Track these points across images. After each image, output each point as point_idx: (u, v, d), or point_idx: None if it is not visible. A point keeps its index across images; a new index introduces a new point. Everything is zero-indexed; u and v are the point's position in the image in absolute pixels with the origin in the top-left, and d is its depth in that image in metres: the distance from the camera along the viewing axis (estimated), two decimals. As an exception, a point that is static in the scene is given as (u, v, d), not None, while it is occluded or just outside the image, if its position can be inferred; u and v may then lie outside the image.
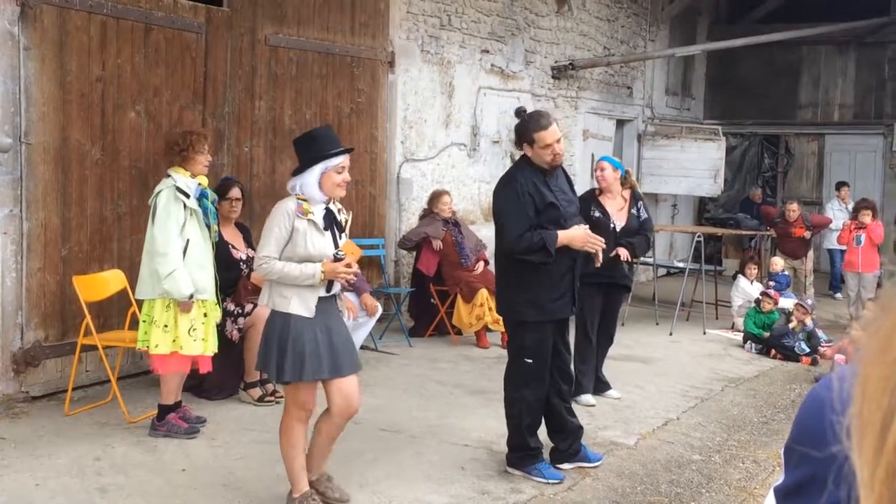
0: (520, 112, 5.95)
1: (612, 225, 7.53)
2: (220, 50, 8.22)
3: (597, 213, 7.51)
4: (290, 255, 4.83)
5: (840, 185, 14.81)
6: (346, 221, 5.17)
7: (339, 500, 5.13)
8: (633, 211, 7.72)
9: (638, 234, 7.68)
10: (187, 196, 6.11)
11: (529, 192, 5.62)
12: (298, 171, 4.94)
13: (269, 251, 4.83)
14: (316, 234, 4.88)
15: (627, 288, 7.89)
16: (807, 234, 12.67)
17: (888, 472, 0.59)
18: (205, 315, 6.23)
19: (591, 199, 7.66)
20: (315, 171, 4.88)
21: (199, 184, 6.28)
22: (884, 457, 0.60)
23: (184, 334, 6.10)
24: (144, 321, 6.20)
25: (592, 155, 13.52)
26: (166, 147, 6.39)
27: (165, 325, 6.09)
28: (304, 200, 4.89)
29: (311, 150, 4.92)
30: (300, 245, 4.83)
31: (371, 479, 5.65)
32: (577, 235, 5.66)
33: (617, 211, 7.66)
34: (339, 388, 4.94)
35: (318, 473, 5.17)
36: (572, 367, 6.43)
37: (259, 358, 5.04)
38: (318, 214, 4.92)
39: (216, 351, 6.36)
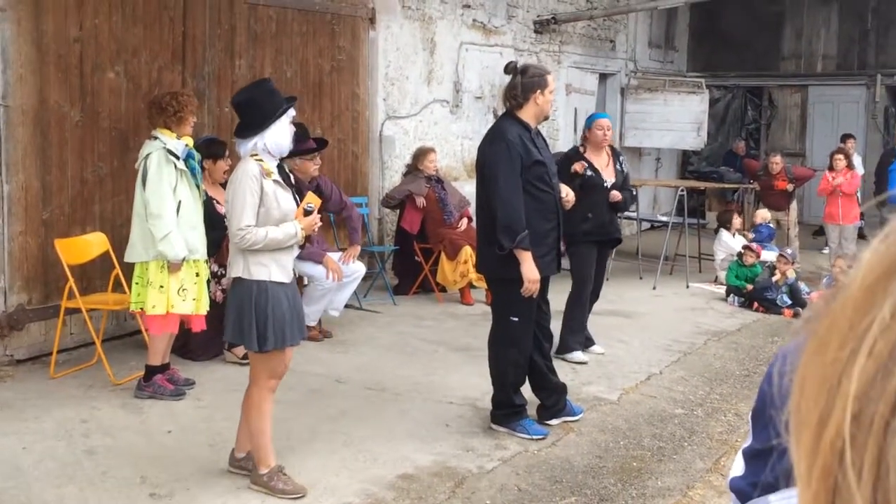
0: (512, 67, 5.89)
1: (604, 183, 7.55)
2: (198, 8, 8.13)
3: (589, 172, 7.52)
4: (264, 219, 4.67)
5: (845, 138, 14.40)
6: (291, 176, 5.10)
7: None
8: (618, 167, 7.74)
9: (623, 190, 7.72)
10: (177, 157, 6.12)
11: (518, 149, 5.61)
12: (257, 128, 4.70)
13: (247, 220, 4.61)
14: (282, 193, 4.77)
15: (619, 240, 7.94)
16: (789, 187, 12.70)
17: (824, 470, 0.61)
18: (196, 275, 6.26)
19: (580, 157, 7.62)
20: (284, 123, 4.76)
21: (186, 144, 6.28)
22: (820, 455, 0.62)
23: (173, 294, 6.13)
24: (137, 283, 6.22)
25: (575, 109, 13.52)
26: (155, 109, 6.30)
27: (161, 286, 6.12)
28: (261, 160, 4.73)
29: (275, 103, 4.76)
30: (273, 207, 4.69)
31: (356, 437, 5.70)
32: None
33: (605, 168, 7.67)
34: (287, 354, 4.90)
35: (246, 451, 5.01)
36: (560, 324, 6.47)
37: (230, 329, 4.79)
38: (276, 173, 4.80)
39: (207, 310, 6.40)
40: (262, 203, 4.68)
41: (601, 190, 7.45)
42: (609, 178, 7.64)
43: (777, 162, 12.85)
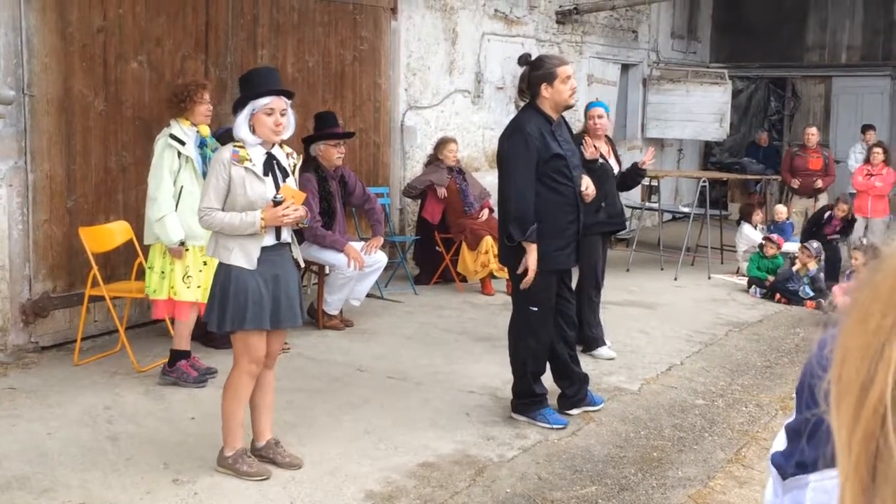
0: (526, 58, 5.90)
1: (613, 169, 7.53)
2: (221, -2, 8.17)
3: (601, 160, 7.46)
4: (231, 204, 4.74)
5: (866, 129, 14.23)
6: (295, 165, 5.04)
7: (290, 465, 5.00)
8: (617, 154, 7.76)
9: (636, 176, 7.87)
10: (182, 143, 6.17)
11: (536, 142, 5.61)
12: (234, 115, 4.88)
13: (208, 203, 4.73)
14: (254, 181, 4.76)
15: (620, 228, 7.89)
16: (819, 183, 12.57)
17: (866, 434, 0.63)
18: (204, 263, 6.28)
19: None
20: (244, 113, 4.77)
21: (198, 132, 6.31)
22: (862, 420, 0.63)
23: (178, 281, 6.20)
24: (149, 268, 6.30)
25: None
26: (168, 100, 6.43)
27: (162, 272, 6.22)
28: (242, 147, 4.78)
29: (242, 90, 4.87)
30: (239, 194, 4.73)
31: (377, 425, 5.73)
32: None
33: (608, 155, 7.62)
34: (269, 340, 4.91)
35: (265, 440, 5.05)
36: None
37: (206, 309, 4.92)
38: (257, 160, 4.80)
39: None
40: (231, 189, 4.76)
41: (610, 176, 7.42)
42: (615, 164, 7.64)
43: (813, 133, 12.71)
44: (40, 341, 6.97)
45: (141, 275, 6.96)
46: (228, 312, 4.72)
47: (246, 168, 4.76)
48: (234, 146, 4.80)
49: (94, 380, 6.40)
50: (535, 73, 5.76)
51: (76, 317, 6.98)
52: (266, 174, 4.82)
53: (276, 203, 4.76)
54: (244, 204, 4.74)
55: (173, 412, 5.86)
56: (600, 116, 7.61)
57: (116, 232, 7.04)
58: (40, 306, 6.92)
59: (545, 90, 5.71)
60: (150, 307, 7.50)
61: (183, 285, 6.22)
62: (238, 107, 4.82)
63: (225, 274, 4.77)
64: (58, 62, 6.90)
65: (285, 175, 4.92)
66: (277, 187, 4.83)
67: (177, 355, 6.36)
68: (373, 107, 10.08)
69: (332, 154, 7.93)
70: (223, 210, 4.76)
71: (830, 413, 0.68)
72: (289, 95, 4.93)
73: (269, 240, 4.81)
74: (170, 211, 6.12)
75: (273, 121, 4.78)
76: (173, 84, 6.82)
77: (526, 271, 5.62)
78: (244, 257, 4.75)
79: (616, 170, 7.66)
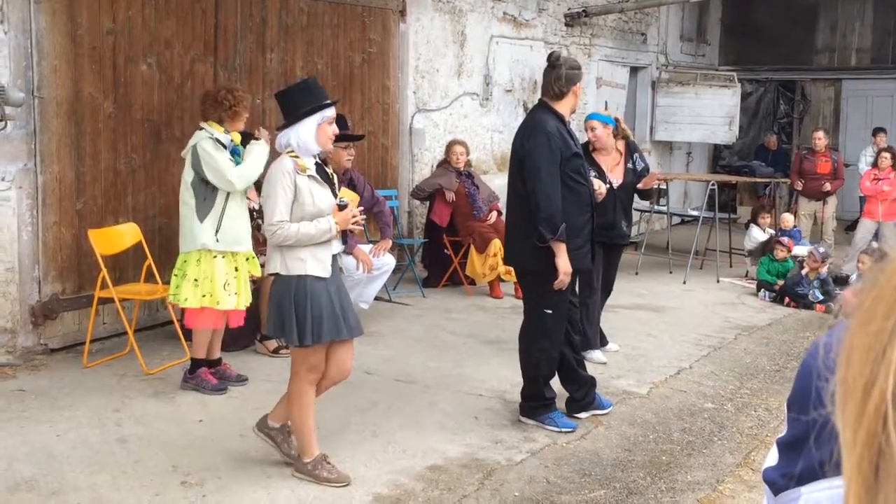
0: (557, 57, 5.86)
1: (608, 183, 7.24)
2: (230, 1, 8.18)
3: (592, 172, 7.28)
4: (300, 214, 4.70)
5: (876, 132, 14.16)
6: (333, 174, 5.08)
7: (289, 456, 5.04)
8: (630, 165, 7.52)
9: (644, 191, 7.66)
10: (224, 147, 6.13)
11: (558, 142, 5.61)
12: (289, 124, 4.82)
13: (280, 216, 4.65)
14: (319, 188, 4.78)
15: (622, 246, 7.71)
16: (827, 186, 12.55)
17: (869, 433, 0.64)
18: (236, 269, 6.24)
19: (586, 156, 7.16)
20: (312, 122, 4.78)
21: (232, 140, 6.27)
22: (865, 420, 0.64)
23: (219, 290, 6.11)
24: (176, 275, 6.23)
25: (606, 103, 13.47)
26: (210, 102, 6.25)
27: (195, 280, 6.12)
28: (297, 157, 4.78)
29: (306, 100, 4.82)
30: (307, 203, 4.71)
31: (385, 428, 5.73)
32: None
33: (613, 167, 7.43)
34: (340, 350, 4.92)
35: (280, 421, 5.06)
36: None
37: (271, 324, 4.83)
38: (312, 169, 4.83)
39: (248, 303, 6.38)
40: (296, 199, 4.72)
41: (606, 191, 7.20)
42: (615, 178, 7.39)
43: (821, 137, 12.68)
44: (49, 343, 6.98)
45: (150, 277, 6.98)
46: (308, 327, 4.68)
47: (309, 176, 4.77)
48: (291, 156, 4.78)
49: (103, 382, 6.41)
50: (573, 72, 5.76)
51: (85, 319, 6.99)
52: (324, 182, 4.87)
53: (342, 207, 4.82)
54: (313, 212, 4.73)
55: (182, 414, 5.87)
56: (592, 129, 7.39)
57: (125, 234, 7.05)
58: (49, 308, 6.93)
59: (577, 89, 5.78)
60: (158, 309, 7.55)
61: (224, 293, 6.12)
62: (301, 116, 4.78)
63: (298, 286, 4.71)
64: (67, 64, 6.91)
65: (332, 182, 4.97)
66: (334, 194, 4.88)
67: (196, 363, 6.35)
68: (381, 109, 10.09)
69: (342, 156, 7.94)
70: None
71: (836, 414, 0.70)
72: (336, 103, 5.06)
73: (337, 246, 4.87)
74: (238, 166, 6.10)
75: (332, 130, 4.88)
76: (215, 87, 6.69)
77: (554, 274, 5.57)
78: (319, 265, 4.74)
79: (619, 182, 7.42)
